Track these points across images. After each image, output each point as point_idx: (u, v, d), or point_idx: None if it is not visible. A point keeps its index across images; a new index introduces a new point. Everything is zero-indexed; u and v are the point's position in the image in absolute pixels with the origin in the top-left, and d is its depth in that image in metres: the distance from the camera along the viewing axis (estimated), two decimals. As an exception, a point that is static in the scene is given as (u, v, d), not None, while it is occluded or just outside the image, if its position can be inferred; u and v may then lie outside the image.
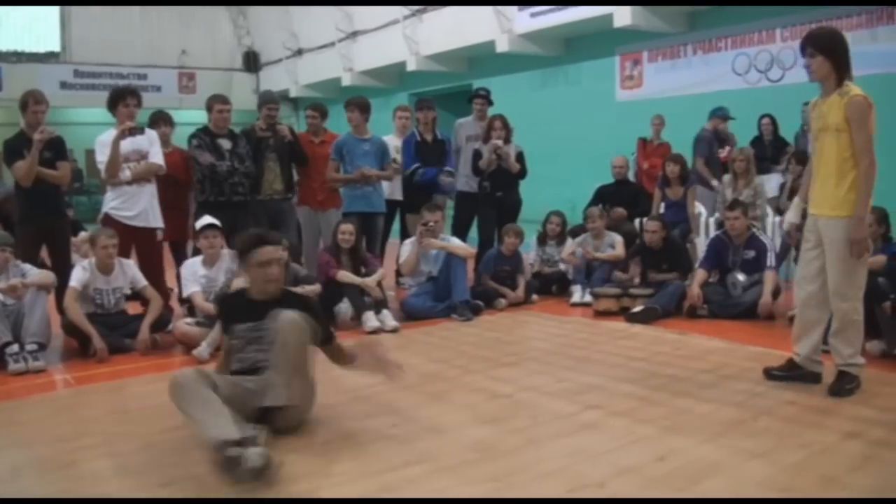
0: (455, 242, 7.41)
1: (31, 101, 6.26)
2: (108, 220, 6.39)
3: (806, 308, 4.61)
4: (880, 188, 4.39)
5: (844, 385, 4.41)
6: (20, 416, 4.37)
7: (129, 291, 6.19)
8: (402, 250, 7.53)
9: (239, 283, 5.18)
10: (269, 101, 7.75)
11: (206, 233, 6.16)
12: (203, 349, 5.54)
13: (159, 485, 3.30)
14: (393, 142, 8.22)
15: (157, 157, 6.54)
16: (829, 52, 4.32)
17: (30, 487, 3.32)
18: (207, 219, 6.23)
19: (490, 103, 8.77)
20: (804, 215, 4.68)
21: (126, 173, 6.39)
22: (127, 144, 6.37)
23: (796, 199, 4.87)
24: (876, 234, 5.65)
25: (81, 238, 7.52)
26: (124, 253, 6.22)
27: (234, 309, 4.21)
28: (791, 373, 4.68)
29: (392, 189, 8.21)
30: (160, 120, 7.35)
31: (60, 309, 6.06)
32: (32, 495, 3.23)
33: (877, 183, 4.31)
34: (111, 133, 6.34)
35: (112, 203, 6.45)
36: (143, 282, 6.15)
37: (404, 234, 8.31)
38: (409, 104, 10.60)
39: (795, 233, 4.90)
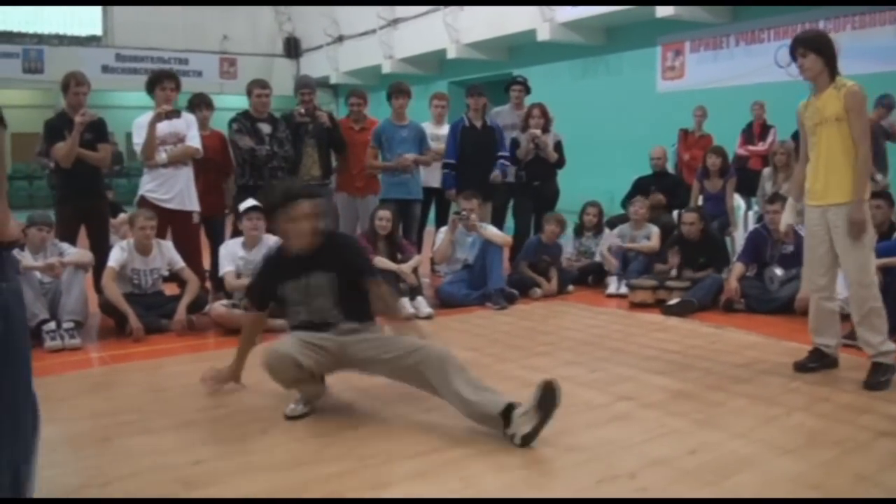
0: (492, 230, 7.40)
1: (73, 83, 6.33)
2: (145, 203, 6.43)
3: (821, 301, 4.71)
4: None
5: (879, 378, 4.40)
6: (56, 392, 4.42)
7: (166, 273, 6.26)
8: (438, 238, 7.53)
9: None
10: (302, 86, 7.75)
11: (251, 214, 6.14)
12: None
13: (191, 463, 3.34)
14: (429, 129, 8.19)
15: (194, 140, 6.56)
16: (820, 51, 4.51)
17: (65, 461, 3.38)
18: (251, 201, 6.23)
19: (528, 91, 8.71)
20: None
21: (162, 156, 6.43)
22: (164, 127, 6.40)
23: (790, 201, 5.02)
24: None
25: (120, 219, 7.60)
26: (160, 235, 6.28)
27: (279, 267, 4.07)
28: (822, 362, 4.76)
29: (428, 176, 8.20)
30: (201, 103, 7.37)
31: (98, 289, 6.14)
32: (67, 469, 3.28)
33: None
34: (148, 116, 6.38)
35: (148, 185, 6.50)
36: (180, 263, 6.22)
37: (440, 222, 8.31)
38: (448, 92, 10.57)
39: (793, 233, 5.40)
